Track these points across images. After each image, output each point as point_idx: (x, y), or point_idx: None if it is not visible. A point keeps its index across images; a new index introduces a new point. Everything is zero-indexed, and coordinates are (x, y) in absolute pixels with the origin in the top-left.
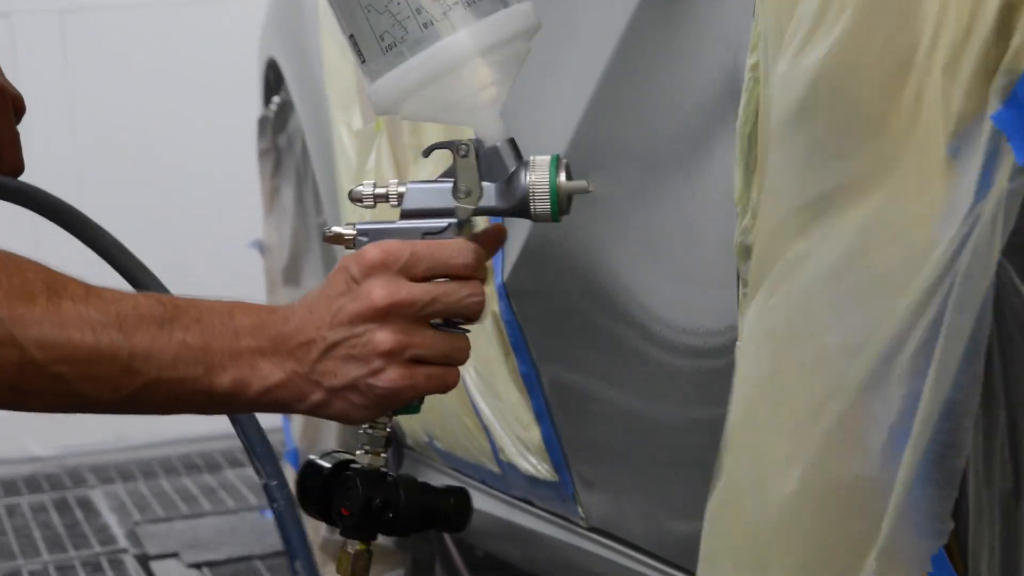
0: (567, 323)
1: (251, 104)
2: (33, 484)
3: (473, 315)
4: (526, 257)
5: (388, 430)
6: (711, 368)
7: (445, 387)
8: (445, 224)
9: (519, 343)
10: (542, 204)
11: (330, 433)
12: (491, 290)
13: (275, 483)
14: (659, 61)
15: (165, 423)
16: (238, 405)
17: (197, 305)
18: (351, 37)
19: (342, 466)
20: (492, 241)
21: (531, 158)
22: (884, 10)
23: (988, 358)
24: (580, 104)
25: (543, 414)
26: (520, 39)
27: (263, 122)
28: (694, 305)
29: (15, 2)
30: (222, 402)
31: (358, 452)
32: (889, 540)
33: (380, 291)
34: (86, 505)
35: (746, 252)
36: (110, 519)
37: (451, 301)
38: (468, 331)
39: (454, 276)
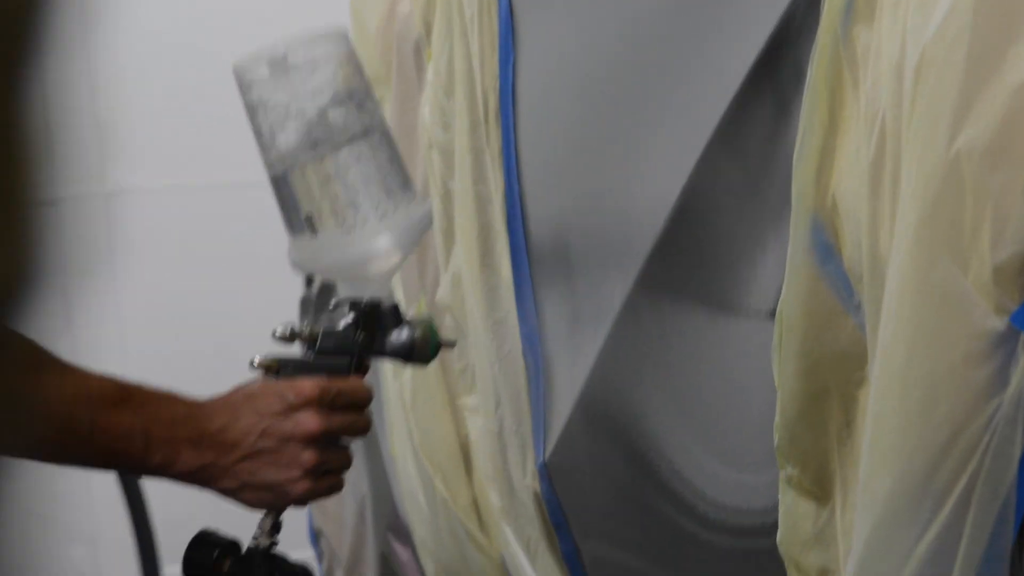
0: (610, 501)
1: (294, 285)
2: None
3: (364, 435)
4: (568, 436)
5: (281, 521)
6: (755, 548)
7: (337, 491)
8: (347, 363)
9: (560, 523)
10: (423, 353)
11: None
12: (532, 470)
13: None
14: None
15: None
16: (162, 476)
17: (142, 391)
18: (307, 217)
19: (233, 545)
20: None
21: (410, 317)
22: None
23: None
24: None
25: None
26: (423, 235)
27: (305, 302)
28: (738, 484)
29: (62, 186)
30: (150, 472)
31: (257, 534)
32: None
33: (314, 420)
34: None
35: (787, 434)
36: None
37: (357, 428)
38: (349, 445)
39: (359, 407)
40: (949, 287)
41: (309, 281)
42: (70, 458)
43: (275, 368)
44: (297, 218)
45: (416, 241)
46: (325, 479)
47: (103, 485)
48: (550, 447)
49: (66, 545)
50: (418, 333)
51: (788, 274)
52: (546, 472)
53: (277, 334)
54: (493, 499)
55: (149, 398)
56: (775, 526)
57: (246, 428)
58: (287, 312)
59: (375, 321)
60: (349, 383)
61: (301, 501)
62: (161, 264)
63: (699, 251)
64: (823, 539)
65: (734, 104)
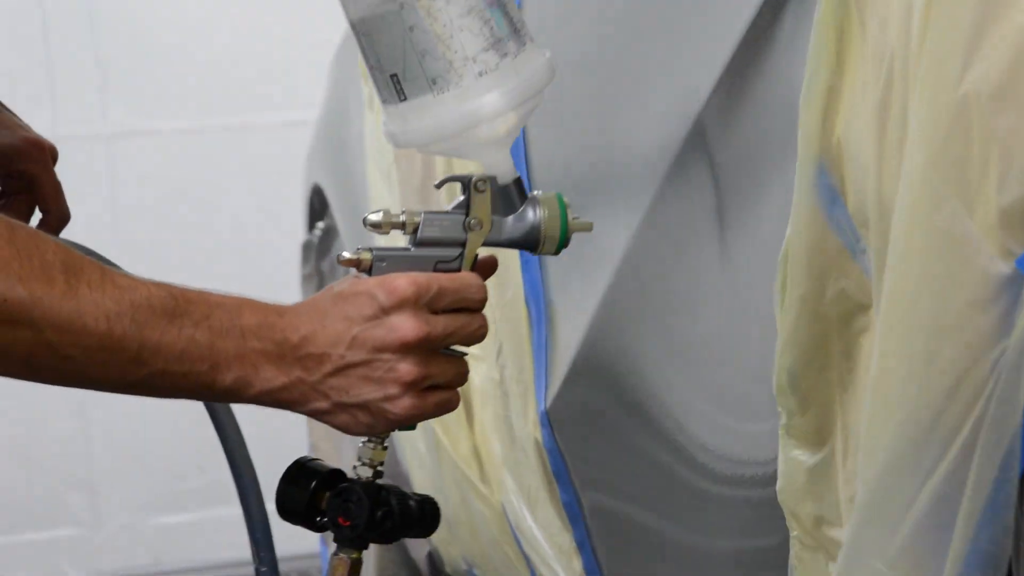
0: (610, 451)
1: (296, 229)
2: None
3: (479, 342)
4: (569, 385)
5: (386, 447)
6: (756, 498)
7: (450, 410)
8: (456, 254)
9: (561, 472)
10: (552, 239)
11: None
12: (533, 418)
13: (265, 570)
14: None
15: (202, 550)
16: (238, 400)
17: (207, 300)
18: (393, 76)
19: (333, 476)
20: (487, 271)
21: (535, 194)
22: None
23: None
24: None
25: (584, 544)
26: (542, 93)
27: (307, 247)
28: (740, 433)
29: (64, 127)
30: (223, 397)
31: (356, 464)
32: None
33: (409, 325)
34: None
35: (789, 380)
36: None
37: (467, 333)
38: (467, 354)
39: (470, 309)
40: (955, 230)
41: (312, 224)
42: (117, 385)
43: (367, 263)
44: (384, 80)
45: (531, 99)
46: (432, 395)
47: (101, 430)
48: (551, 395)
49: (64, 492)
50: (545, 214)
51: (792, 218)
52: (547, 420)
53: (369, 221)
54: (494, 447)
55: (214, 306)
56: (775, 476)
57: (334, 337)
58: (292, 252)
59: (491, 202)
60: (455, 279)
61: (404, 423)
62: (161, 206)
63: (703, 197)
64: (821, 487)
65: (741, 46)
